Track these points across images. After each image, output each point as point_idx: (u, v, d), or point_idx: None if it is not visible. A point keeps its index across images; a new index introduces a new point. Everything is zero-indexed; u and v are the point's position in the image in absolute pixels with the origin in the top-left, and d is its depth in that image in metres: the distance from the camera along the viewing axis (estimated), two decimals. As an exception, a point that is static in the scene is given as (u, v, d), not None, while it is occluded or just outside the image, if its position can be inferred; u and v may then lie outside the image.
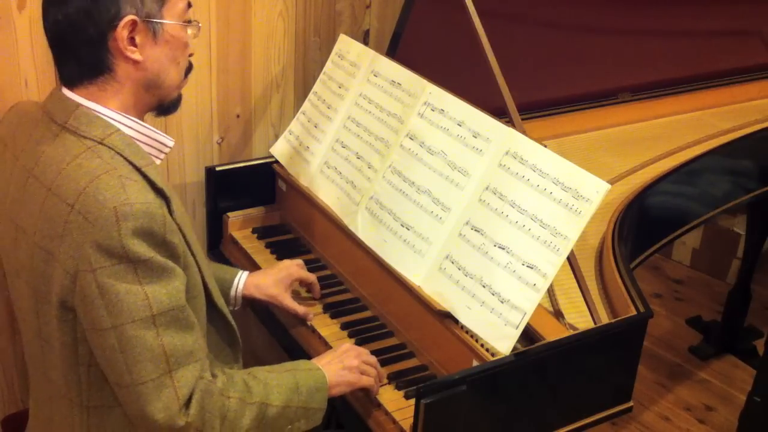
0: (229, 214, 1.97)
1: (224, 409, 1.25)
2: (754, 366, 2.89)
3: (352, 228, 1.71)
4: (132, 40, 1.23)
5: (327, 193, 1.82)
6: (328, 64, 1.94)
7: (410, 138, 1.67)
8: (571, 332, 1.51)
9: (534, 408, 1.48)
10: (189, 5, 1.32)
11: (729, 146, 2.30)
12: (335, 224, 1.77)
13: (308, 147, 1.90)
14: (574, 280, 1.57)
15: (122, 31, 1.21)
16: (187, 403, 1.21)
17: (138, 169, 1.21)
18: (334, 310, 1.71)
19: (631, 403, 1.58)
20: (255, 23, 2.02)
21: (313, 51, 2.15)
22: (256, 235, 1.96)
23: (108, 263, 1.14)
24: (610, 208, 1.93)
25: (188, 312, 1.22)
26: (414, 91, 1.71)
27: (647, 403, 2.79)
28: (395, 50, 1.96)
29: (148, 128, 1.30)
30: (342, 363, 1.45)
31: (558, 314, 1.59)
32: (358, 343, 1.58)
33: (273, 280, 1.67)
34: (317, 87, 1.95)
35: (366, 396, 1.49)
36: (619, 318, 1.54)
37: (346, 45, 1.92)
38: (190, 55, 1.34)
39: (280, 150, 1.98)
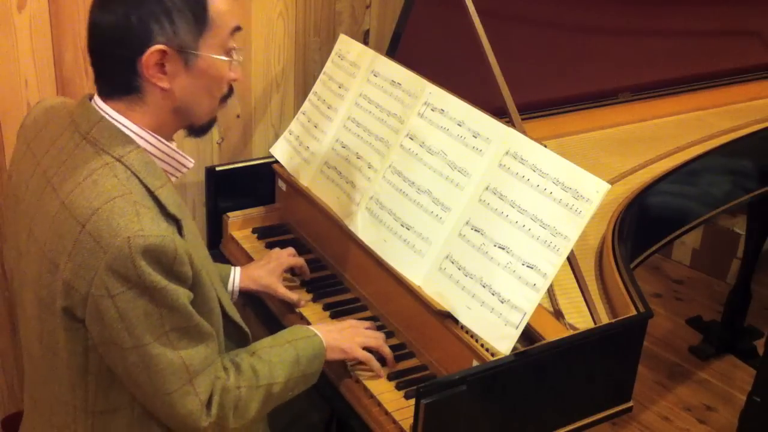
0: (229, 214, 1.97)
1: (237, 399, 1.30)
2: (754, 366, 2.89)
3: (352, 228, 1.71)
4: (162, 67, 1.20)
5: (327, 193, 1.82)
6: (328, 64, 1.94)
7: (410, 138, 1.67)
8: (571, 332, 1.51)
9: (534, 408, 1.48)
10: (235, 30, 1.27)
11: (729, 146, 2.30)
12: (335, 224, 1.77)
13: (308, 147, 1.90)
14: (574, 280, 1.57)
15: (149, 59, 1.19)
16: (208, 404, 1.26)
17: (151, 192, 1.20)
18: (334, 310, 1.71)
19: (631, 403, 1.58)
20: (255, 23, 2.02)
21: (313, 51, 2.15)
22: (256, 235, 1.96)
23: (126, 288, 1.15)
24: (610, 208, 1.93)
25: (200, 324, 1.24)
26: (414, 91, 1.70)
27: (647, 403, 2.79)
28: (395, 50, 1.96)
29: (170, 147, 1.28)
30: (341, 332, 1.52)
31: (558, 314, 1.59)
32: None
33: (266, 270, 1.73)
34: (317, 87, 1.95)
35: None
36: (619, 318, 1.54)
37: (346, 45, 1.92)
38: (234, 80, 1.30)
39: (280, 150, 1.98)
